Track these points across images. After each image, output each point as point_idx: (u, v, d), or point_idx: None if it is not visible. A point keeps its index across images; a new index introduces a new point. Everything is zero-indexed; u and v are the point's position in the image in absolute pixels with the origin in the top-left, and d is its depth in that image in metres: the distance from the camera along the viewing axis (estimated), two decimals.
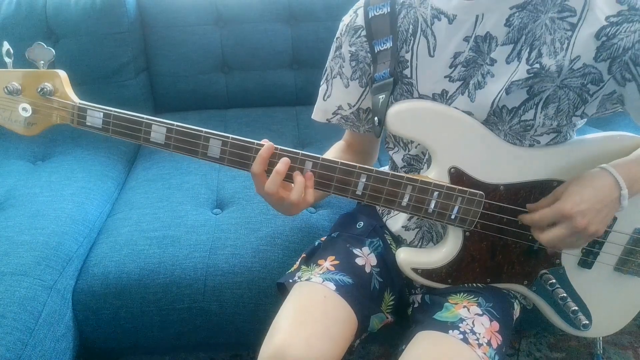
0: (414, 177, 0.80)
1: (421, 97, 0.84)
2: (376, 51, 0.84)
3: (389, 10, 0.83)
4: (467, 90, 0.80)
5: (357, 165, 0.79)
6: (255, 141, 0.79)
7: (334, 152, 1.01)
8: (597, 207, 0.74)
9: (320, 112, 0.96)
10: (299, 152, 0.79)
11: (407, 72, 0.84)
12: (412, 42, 0.82)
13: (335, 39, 0.91)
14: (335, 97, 0.93)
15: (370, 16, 0.84)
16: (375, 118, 0.83)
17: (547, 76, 0.75)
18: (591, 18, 0.72)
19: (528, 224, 0.81)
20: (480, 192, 0.80)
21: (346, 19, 0.89)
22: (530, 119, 0.78)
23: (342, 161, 0.79)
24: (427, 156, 0.88)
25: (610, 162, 0.77)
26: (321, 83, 0.95)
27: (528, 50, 0.75)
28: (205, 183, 1.31)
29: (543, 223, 0.78)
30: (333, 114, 0.94)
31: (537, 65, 0.75)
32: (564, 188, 0.78)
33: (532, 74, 0.75)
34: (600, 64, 0.73)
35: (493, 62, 0.77)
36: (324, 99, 0.95)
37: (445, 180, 0.81)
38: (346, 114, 0.94)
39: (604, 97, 0.77)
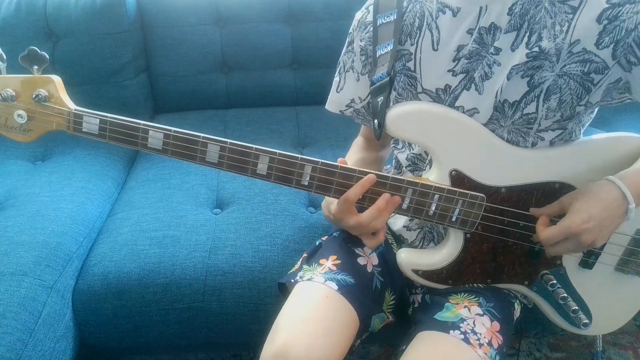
0: (415, 181, 0.80)
1: (425, 91, 0.84)
2: (377, 55, 0.84)
3: (395, 17, 0.83)
4: (473, 84, 0.80)
5: (357, 169, 0.79)
6: (254, 146, 0.78)
7: (354, 153, 1.01)
8: (604, 224, 0.74)
9: (333, 103, 0.97)
10: (298, 157, 0.78)
11: (410, 64, 0.84)
12: (417, 35, 0.82)
13: (348, 34, 0.92)
14: (347, 90, 0.94)
15: (378, 23, 0.84)
16: (375, 121, 0.83)
17: (546, 59, 0.75)
18: (592, 1, 0.72)
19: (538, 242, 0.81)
20: (482, 195, 0.80)
21: (358, 15, 0.90)
22: (533, 111, 0.78)
23: (341, 165, 0.78)
24: (429, 156, 0.88)
25: (617, 174, 0.76)
26: (335, 75, 0.96)
27: (528, 34, 0.75)
28: (205, 183, 1.31)
29: (552, 242, 0.77)
30: (346, 106, 0.95)
31: (537, 49, 0.75)
32: (571, 200, 0.77)
33: (532, 58, 0.75)
34: (603, 51, 0.72)
35: (498, 51, 0.77)
36: (337, 91, 0.96)
37: (446, 182, 0.81)
38: (358, 108, 0.95)
39: (609, 85, 0.76)
